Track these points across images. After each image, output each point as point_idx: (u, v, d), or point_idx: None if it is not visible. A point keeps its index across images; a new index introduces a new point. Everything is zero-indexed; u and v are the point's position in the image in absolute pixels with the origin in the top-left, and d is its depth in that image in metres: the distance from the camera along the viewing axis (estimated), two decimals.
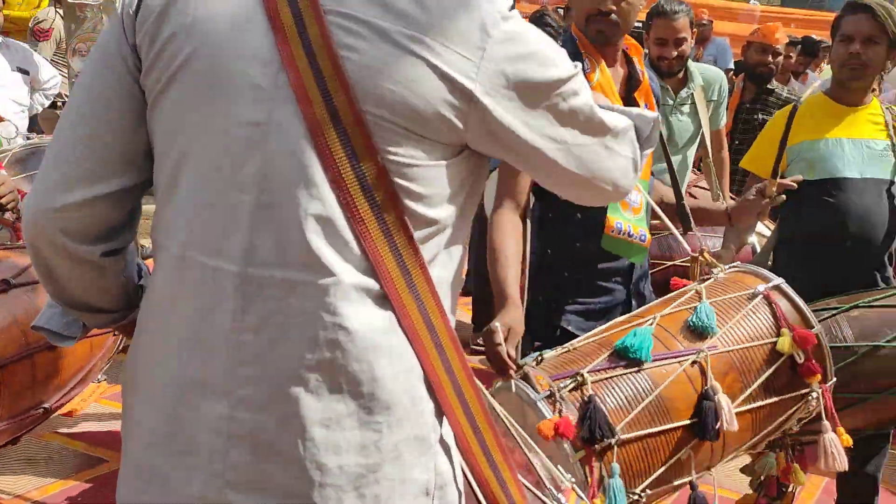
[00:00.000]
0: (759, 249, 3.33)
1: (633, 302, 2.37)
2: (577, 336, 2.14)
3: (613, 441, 1.81)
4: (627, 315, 2.16)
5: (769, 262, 3.07)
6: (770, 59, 4.85)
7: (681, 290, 2.18)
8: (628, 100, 2.35)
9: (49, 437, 3.69)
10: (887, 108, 2.96)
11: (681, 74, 3.83)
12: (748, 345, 2.00)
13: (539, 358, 2.02)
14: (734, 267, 2.24)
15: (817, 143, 2.88)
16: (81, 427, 3.79)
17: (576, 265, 2.36)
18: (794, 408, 2.05)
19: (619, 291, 2.38)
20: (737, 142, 4.82)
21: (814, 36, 8.65)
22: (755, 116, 4.79)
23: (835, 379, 2.08)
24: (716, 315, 2.02)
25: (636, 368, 1.93)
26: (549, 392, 1.86)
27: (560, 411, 1.82)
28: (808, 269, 2.87)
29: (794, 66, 7.48)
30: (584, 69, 2.26)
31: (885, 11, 2.76)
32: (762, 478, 2.52)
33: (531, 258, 2.42)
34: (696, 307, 2.03)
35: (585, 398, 1.84)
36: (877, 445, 2.98)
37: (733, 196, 4.24)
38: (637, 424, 1.88)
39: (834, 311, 2.54)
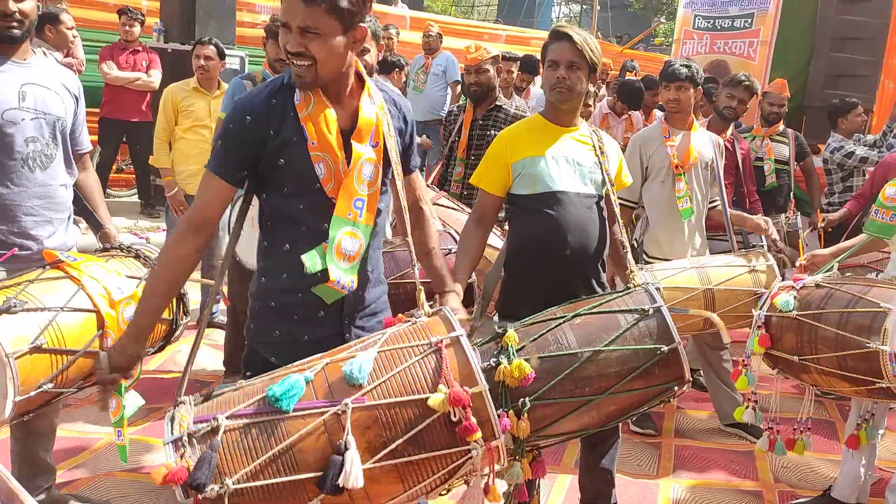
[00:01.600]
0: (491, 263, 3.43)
1: (347, 336, 2.32)
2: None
3: (222, 491, 1.82)
4: (318, 355, 2.09)
5: (501, 274, 3.20)
6: (475, 77, 5.01)
7: (377, 333, 2.16)
8: (345, 143, 2.25)
9: None
10: (593, 131, 3.16)
11: None
12: (398, 399, 1.93)
13: (208, 393, 2.05)
14: (437, 311, 2.20)
15: (537, 159, 3.01)
16: None
17: (282, 296, 2.31)
18: (459, 461, 1.98)
19: (328, 324, 2.32)
20: (472, 157, 4.97)
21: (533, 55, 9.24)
22: (487, 132, 4.95)
23: (502, 437, 2.01)
24: (383, 364, 1.99)
25: (276, 417, 1.91)
26: (179, 436, 1.89)
27: (183, 455, 1.85)
28: (534, 279, 3.04)
29: (516, 82, 7.92)
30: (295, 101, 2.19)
31: (582, 39, 2.95)
32: (512, 487, 2.61)
33: (254, 286, 2.39)
34: (356, 356, 2.00)
35: (209, 445, 1.86)
36: (609, 442, 3.18)
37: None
38: (261, 474, 1.86)
39: (560, 321, 2.65)
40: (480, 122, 5.05)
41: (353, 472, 1.84)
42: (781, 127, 6.23)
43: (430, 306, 2.27)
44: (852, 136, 6.38)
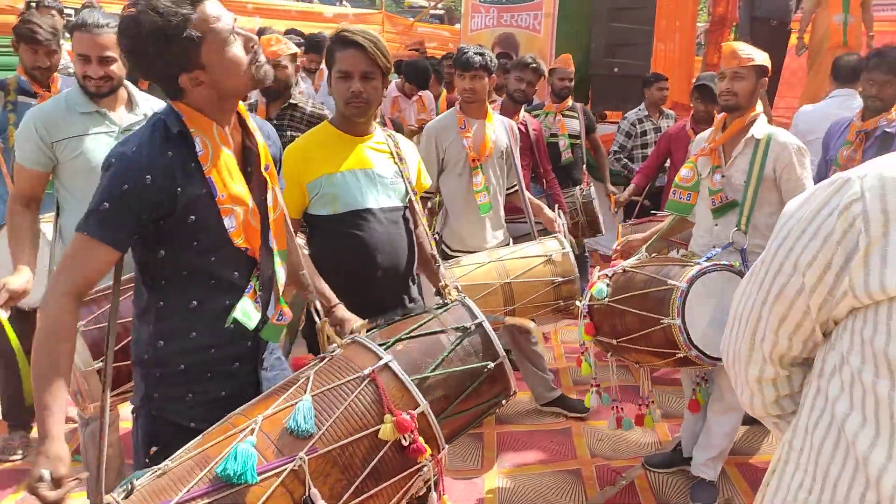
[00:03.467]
0: None
1: (263, 384, 2.22)
2: (200, 432, 1.94)
3: None
4: (234, 412, 1.98)
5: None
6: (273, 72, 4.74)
7: (293, 375, 2.10)
8: (249, 174, 2.14)
9: None
10: (388, 136, 2.99)
11: (125, 98, 3.32)
12: (350, 439, 1.92)
13: (129, 487, 1.79)
14: (351, 338, 2.18)
15: (334, 176, 2.84)
16: None
17: (192, 357, 2.12)
18: (412, 482, 2.04)
19: (243, 375, 2.21)
20: None
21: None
22: (284, 133, 4.62)
23: (446, 447, 2.11)
24: (322, 407, 1.94)
25: (232, 491, 1.78)
26: None
27: None
28: (346, 302, 2.72)
29: (306, 65, 7.61)
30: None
31: (374, 47, 2.76)
32: None
33: (147, 351, 2.14)
34: (295, 406, 1.92)
35: None
36: None
37: None
38: None
39: (384, 346, 2.55)
40: (275, 121, 4.72)
41: None
42: (570, 102, 6.45)
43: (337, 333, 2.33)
44: (656, 106, 6.83)
